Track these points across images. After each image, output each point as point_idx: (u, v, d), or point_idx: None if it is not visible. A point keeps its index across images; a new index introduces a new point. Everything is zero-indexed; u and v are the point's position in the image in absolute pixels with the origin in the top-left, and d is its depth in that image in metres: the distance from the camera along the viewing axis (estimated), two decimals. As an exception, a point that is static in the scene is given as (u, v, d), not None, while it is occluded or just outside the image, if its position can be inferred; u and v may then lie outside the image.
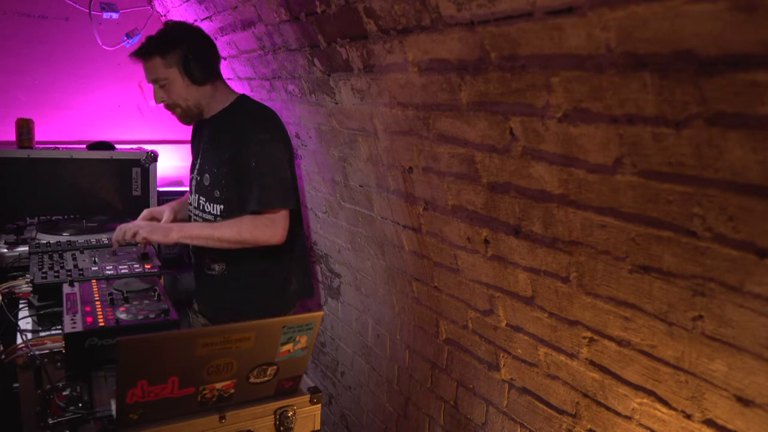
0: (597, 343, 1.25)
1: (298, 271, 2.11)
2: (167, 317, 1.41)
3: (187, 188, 3.17)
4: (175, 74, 1.86)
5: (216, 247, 1.87)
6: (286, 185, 1.85)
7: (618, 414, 1.24)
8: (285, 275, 2.06)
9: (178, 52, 1.84)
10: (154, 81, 1.89)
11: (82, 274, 1.67)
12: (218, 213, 1.92)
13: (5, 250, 2.12)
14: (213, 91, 1.94)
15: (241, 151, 1.83)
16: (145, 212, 2.11)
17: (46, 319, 1.54)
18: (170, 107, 1.94)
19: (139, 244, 1.83)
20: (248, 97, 2.02)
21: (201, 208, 1.99)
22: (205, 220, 1.97)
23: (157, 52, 1.84)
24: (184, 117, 1.97)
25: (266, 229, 1.80)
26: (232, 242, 1.81)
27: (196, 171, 2.04)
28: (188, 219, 2.11)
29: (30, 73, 2.92)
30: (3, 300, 1.55)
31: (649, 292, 1.07)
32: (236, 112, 1.95)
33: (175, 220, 2.15)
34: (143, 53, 1.86)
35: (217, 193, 1.92)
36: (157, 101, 1.92)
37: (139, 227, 1.79)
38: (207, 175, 1.96)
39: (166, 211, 2.14)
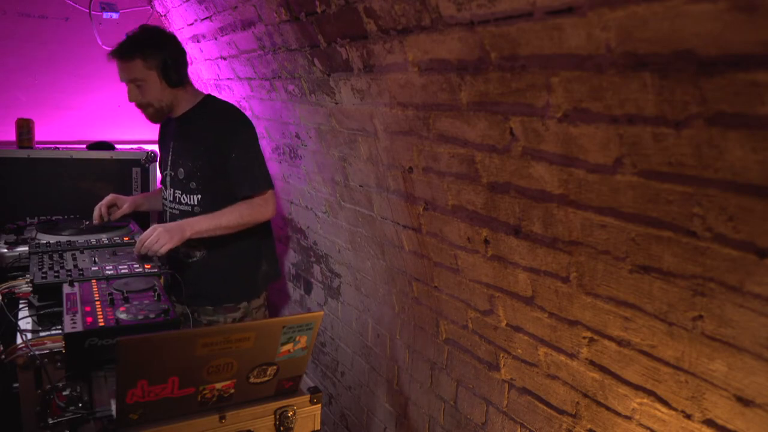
0: (597, 343, 1.25)
1: (268, 254, 2.30)
2: (167, 317, 1.41)
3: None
4: (153, 76, 1.99)
5: (219, 234, 2.04)
6: (266, 169, 2.09)
7: (618, 414, 1.24)
8: (257, 258, 2.25)
9: (159, 55, 1.98)
10: (130, 81, 2.00)
11: (82, 274, 1.67)
12: (195, 203, 2.09)
13: (5, 250, 2.12)
14: (184, 92, 2.09)
15: (222, 145, 2.01)
16: (110, 196, 2.29)
17: (46, 319, 1.54)
18: (142, 106, 2.06)
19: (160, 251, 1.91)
20: (214, 96, 2.20)
21: (177, 200, 2.14)
22: (182, 211, 2.12)
23: (140, 55, 1.96)
24: (155, 116, 2.10)
25: (262, 208, 2.04)
26: (235, 226, 2.00)
27: (169, 167, 2.18)
28: (163, 212, 2.28)
29: (30, 73, 2.92)
30: (3, 300, 1.55)
31: (649, 292, 1.07)
32: (206, 109, 2.12)
33: (137, 210, 2.38)
34: (124, 54, 1.97)
35: (193, 185, 2.08)
36: (131, 100, 2.04)
37: (161, 242, 1.85)
38: (181, 169, 2.11)
39: (126, 203, 2.32)
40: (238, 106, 2.27)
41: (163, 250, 1.85)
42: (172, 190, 2.17)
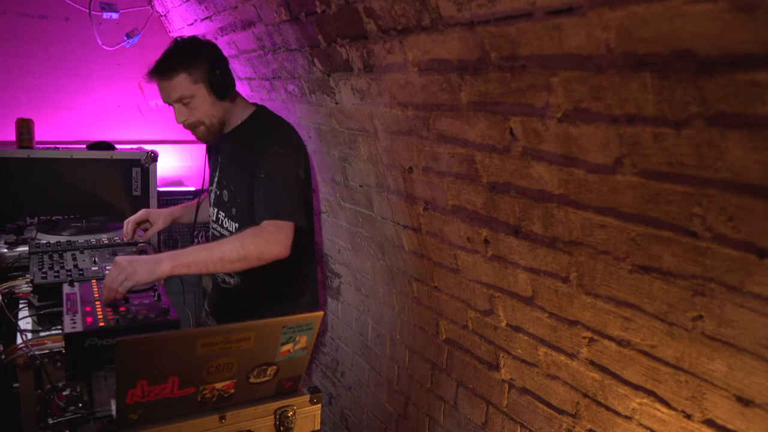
0: (597, 343, 1.25)
1: (309, 288, 2.06)
2: (167, 317, 1.41)
3: (189, 187, 3.20)
4: (201, 90, 1.76)
5: (220, 271, 1.81)
6: (295, 200, 1.74)
7: (618, 414, 1.24)
8: (299, 287, 2.01)
9: (204, 66, 1.74)
10: (177, 100, 1.77)
11: (82, 274, 1.66)
12: (234, 231, 1.88)
13: (5, 250, 2.12)
14: (233, 105, 1.86)
15: (255, 166, 1.77)
16: (141, 212, 2.08)
17: (46, 319, 1.54)
18: (192, 126, 1.83)
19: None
20: (266, 108, 1.95)
21: (220, 223, 1.96)
22: (223, 235, 1.93)
23: (183, 68, 1.73)
24: (208, 135, 1.86)
25: (271, 238, 1.63)
26: (235, 260, 1.60)
27: (215, 184, 1.98)
28: (192, 225, 2.12)
29: (30, 73, 2.92)
30: (3, 300, 1.54)
31: (649, 292, 1.07)
32: (254, 126, 1.88)
33: (174, 223, 2.16)
34: (166, 70, 1.74)
35: (234, 211, 1.88)
36: (179, 120, 1.81)
37: (119, 280, 1.45)
38: (226, 192, 1.92)
39: (161, 218, 2.09)
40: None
41: (122, 288, 1.44)
42: (216, 209, 1.98)
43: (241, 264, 1.62)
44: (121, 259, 1.48)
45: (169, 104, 1.80)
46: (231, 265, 1.62)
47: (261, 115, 1.92)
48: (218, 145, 2.00)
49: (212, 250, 1.59)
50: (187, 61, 1.73)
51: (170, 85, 1.75)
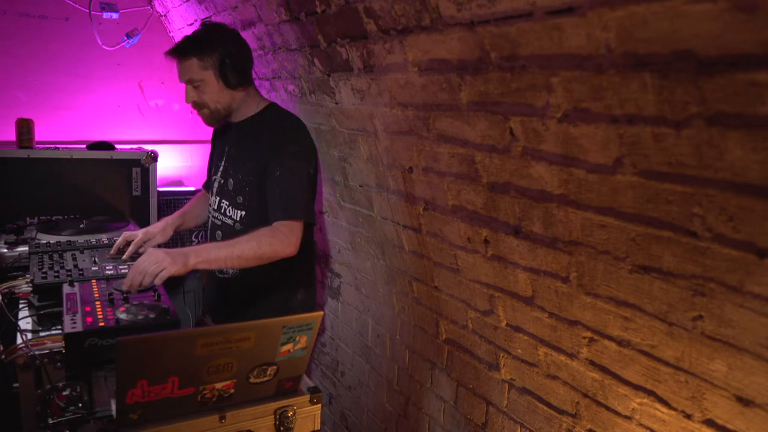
0: (597, 343, 1.25)
1: (305, 284, 2.09)
2: (167, 317, 1.41)
3: (189, 188, 3.19)
4: (210, 77, 1.85)
5: (236, 267, 1.84)
6: (307, 198, 1.84)
7: (618, 414, 1.24)
8: (294, 287, 2.06)
9: (216, 54, 1.83)
10: (187, 81, 1.88)
11: (82, 274, 1.66)
12: (239, 219, 1.94)
13: (5, 250, 2.12)
14: (245, 96, 1.92)
15: (270, 162, 1.83)
16: (141, 236, 1.96)
17: (46, 319, 1.53)
18: (198, 107, 1.92)
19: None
20: (278, 105, 2.01)
21: (222, 211, 2.00)
22: (224, 223, 1.98)
23: (195, 54, 1.83)
24: (211, 119, 1.95)
25: (284, 239, 1.74)
26: (251, 258, 1.71)
27: (220, 173, 2.03)
28: (200, 225, 2.11)
29: (30, 73, 2.92)
30: (3, 300, 1.54)
31: (649, 292, 1.07)
32: (267, 120, 1.94)
33: (172, 233, 2.10)
34: (180, 53, 1.85)
35: (240, 199, 1.93)
36: (188, 101, 1.91)
37: (161, 266, 1.54)
38: (231, 180, 1.97)
39: (157, 235, 2.01)
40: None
41: (163, 274, 1.53)
42: (218, 198, 2.02)
43: (256, 262, 1.72)
44: (155, 250, 1.58)
45: (183, 83, 1.91)
46: (247, 262, 1.72)
47: (275, 110, 1.98)
48: (225, 134, 2.05)
49: (232, 248, 1.69)
50: (200, 48, 1.84)
51: (182, 66, 1.87)
